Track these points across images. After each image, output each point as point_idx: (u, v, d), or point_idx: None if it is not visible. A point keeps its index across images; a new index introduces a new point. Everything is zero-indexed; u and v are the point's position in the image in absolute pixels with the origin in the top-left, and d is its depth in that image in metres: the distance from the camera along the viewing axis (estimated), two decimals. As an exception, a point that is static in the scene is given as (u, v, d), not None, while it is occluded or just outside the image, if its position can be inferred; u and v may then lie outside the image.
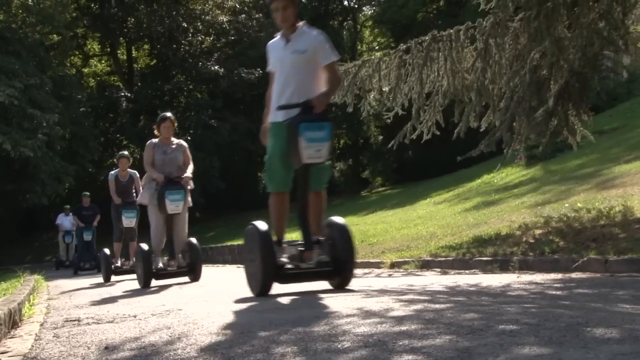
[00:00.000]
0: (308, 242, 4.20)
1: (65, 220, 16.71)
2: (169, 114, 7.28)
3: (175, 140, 7.18)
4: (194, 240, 7.43)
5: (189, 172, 7.02)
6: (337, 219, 4.34)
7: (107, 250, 9.56)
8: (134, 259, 8.61)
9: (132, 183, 9.97)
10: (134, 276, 8.01)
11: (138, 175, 9.72)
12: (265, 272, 4.09)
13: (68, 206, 17.54)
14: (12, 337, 3.11)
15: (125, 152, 10.55)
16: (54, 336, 3.06)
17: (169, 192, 6.62)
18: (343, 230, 4.26)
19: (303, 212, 4.22)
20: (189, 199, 7.10)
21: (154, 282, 7.01)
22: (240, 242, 13.86)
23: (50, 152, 21.85)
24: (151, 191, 6.94)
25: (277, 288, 4.27)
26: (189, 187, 7.00)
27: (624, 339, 1.95)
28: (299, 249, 4.24)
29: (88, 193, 14.92)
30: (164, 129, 7.05)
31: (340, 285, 4.32)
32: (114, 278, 9.42)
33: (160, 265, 6.98)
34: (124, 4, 28.57)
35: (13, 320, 3.46)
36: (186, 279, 7.28)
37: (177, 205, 6.68)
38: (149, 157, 6.96)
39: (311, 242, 4.20)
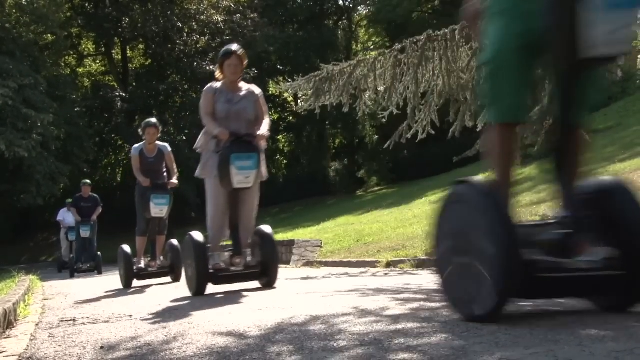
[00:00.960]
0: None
1: (68, 216, 14.84)
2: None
3: (245, 86, 5.19)
4: (267, 229, 5.26)
5: (265, 128, 5.05)
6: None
7: (126, 247, 7.48)
8: (162, 257, 7.53)
9: (161, 160, 7.50)
10: (164, 280, 7.56)
11: (170, 148, 7.57)
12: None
13: (70, 200, 15.96)
14: (7, 337, 3.10)
15: (153, 120, 7.87)
16: (49, 336, 3.05)
17: (236, 157, 4.71)
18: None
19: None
20: (264, 168, 5.07)
21: (212, 289, 5.05)
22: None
23: (45, 152, 21.80)
24: (209, 158, 5.05)
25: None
26: (262, 147, 5.06)
27: (618, 337, 1.96)
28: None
29: (88, 181, 13.41)
30: (228, 67, 5.05)
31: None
32: (136, 283, 7.37)
33: (221, 264, 4.99)
34: (118, 3, 28.51)
35: (8, 321, 3.45)
36: (256, 283, 5.26)
37: (247, 175, 4.75)
38: (208, 106, 5.02)
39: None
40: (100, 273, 12.23)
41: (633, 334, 1.99)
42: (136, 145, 7.52)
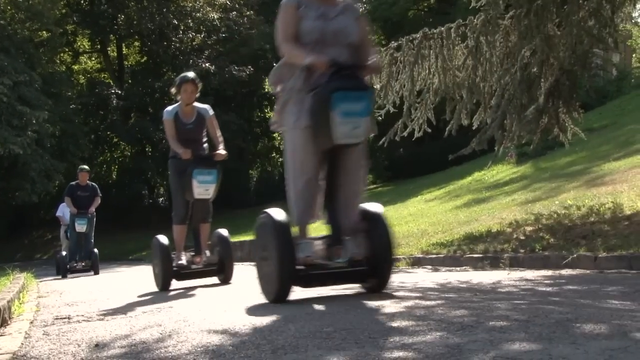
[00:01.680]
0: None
1: (68, 211, 12.18)
2: None
3: None
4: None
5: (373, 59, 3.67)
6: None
7: (163, 238, 5.81)
8: (208, 252, 5.94)
9: (202, 125, 5.85)
10: (210, 280, 5.99)
11: (212, 112, 5.94)
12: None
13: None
14: (1, 335, 3.09)
15: (191, 74, 6.07)
16: (43, 334, 3.04)
17: (343, 98, 3.23)
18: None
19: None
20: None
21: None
22: (231, 239, 13.80)
23: (40, 149, 21.73)
24: (288, 98, 3.54)
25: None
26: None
27: (612, 335, 1.97)
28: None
29: (86, 167, 11.52)
30: None
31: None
32: (176, 284, 5.79)
33: (319, 261, 3.58)
34: (113, 0, 28.42)
35: (2, 318, 3.44)
36: None
37: (357, 126, 3.28)
38: (290, 25, 3.52)
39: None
40: (96, 273, 10.69)
41: (627, 332, 1.99)
42: (169, 108, 5.78)
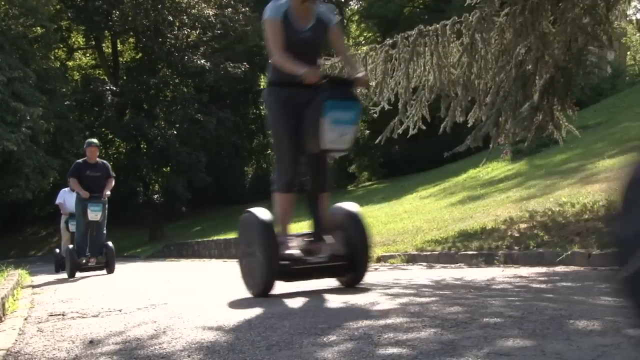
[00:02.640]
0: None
1: (70, 198, 10.18)
2: None
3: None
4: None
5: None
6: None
7: (264, 214, 3.73)
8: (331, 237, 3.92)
9: (322, 35, 3.87)
10: (328, 282, 4.03)
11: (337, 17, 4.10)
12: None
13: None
14: (-5, 332, 3.08)
15: None
16: (38, 330, 3.04)
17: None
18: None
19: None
20: None
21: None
22: (226, 236, 13.84)
23: (34, 146, 21.64)
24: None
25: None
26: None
27: (605, 331, 1.98)
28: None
29: (96, 141, 9.34)
30: None
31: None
32: (282, 287, 3.81)
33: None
34: (108, -4, 28.30)
35: (-4, 315, 3.43)
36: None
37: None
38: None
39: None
40: (111, 271, 8.97)
41: (620, 329, 2.00)
42: (274, 3, 3.79)
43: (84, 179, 8.78)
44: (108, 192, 8.89)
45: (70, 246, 9.13)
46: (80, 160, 9.10)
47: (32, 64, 24.02)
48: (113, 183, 9.05)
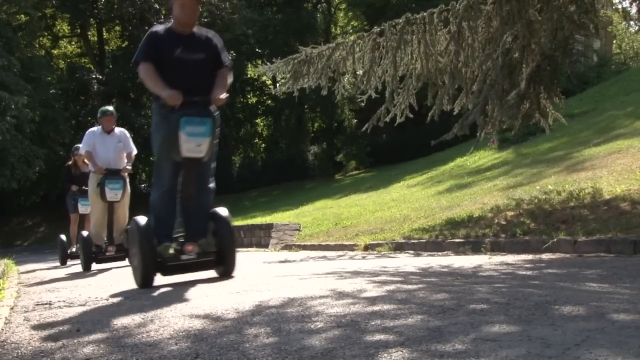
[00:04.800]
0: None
1: (103, 150, 7.66)
2: None
3: None
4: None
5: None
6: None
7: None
8: None
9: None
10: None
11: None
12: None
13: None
14: (-19, 322, 3.06)
15: None
16: (24, 319, 3.02)
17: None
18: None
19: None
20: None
21: None
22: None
23: (20, 135, 21.43)
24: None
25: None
26: None
27: (590, 316, 2.00)
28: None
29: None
30: None
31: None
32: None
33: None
34: (93, -17, 27.99)
35: (-18, 305, 3.41)
36: None
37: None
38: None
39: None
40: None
41: (604, 314, 2.03)
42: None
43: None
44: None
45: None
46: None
47: (17, 52, 23.74)
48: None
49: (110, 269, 6.95)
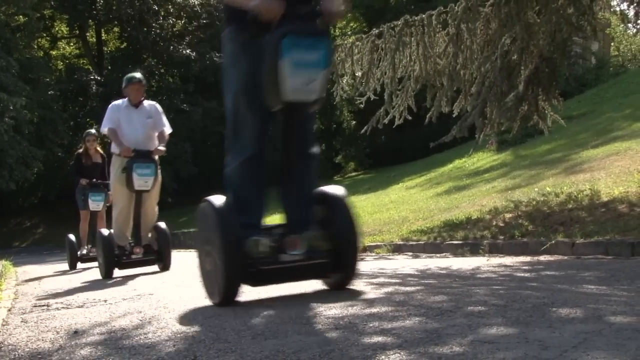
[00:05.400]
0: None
1: (128, 128, 6.34)
2: None
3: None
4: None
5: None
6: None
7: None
8: None
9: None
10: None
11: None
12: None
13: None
14: (-22, 323, 3.06)
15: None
16: (22, 321, 3.02)
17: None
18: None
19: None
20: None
21: None
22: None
23: (18, 136, 21.39)
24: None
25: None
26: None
27: (587, 318, 2.00)
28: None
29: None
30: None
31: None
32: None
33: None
34: (92, -15, 27.99)
35: (-20, 306, 3.41)
36: None
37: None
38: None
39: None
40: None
41: (601, 316, 2.03)
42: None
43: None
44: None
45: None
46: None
47: (15, 53, 23.71)
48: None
49: (137, 275, 5.94)
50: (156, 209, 6.27)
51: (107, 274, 5.85)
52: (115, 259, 5.94)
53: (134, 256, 6.05)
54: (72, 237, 8.36)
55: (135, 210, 6.00)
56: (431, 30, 7.35)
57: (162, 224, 6.34)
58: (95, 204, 8.14)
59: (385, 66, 7.61)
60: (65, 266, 8.48)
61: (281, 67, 2.67)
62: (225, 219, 2.83)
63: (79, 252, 8.27)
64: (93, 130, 8.86)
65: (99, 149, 8.76)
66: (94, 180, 8.29)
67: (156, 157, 6.02)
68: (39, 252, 17.62)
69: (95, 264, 6.98)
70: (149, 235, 6.20)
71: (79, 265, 8.21)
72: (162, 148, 6.07)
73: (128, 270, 6.27)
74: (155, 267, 6.30)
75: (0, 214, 30.68)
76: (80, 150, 8.82)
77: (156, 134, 6.15)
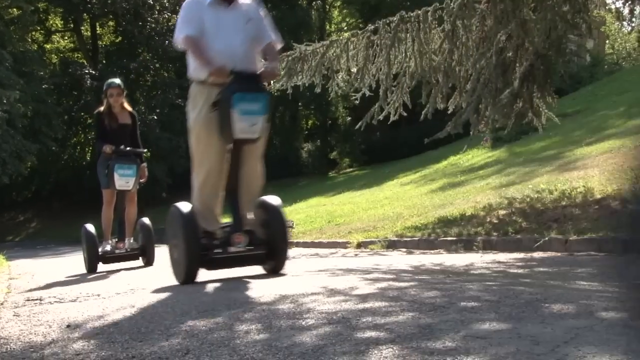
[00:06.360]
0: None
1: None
2: None
3: None
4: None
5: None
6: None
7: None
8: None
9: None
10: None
11: None
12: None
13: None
14: (-29, 317, 3.05)
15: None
16: (14, 315, 3.01)
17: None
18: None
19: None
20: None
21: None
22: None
23: (11, 130, 21.30)
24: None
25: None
26: None
27: (579, 314, 2.01)
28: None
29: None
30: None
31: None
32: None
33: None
34: (87, -22, 27.84)
35: (-28, 300, 3.40)
36: None
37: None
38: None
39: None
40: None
41: (593, 312, 2.04)
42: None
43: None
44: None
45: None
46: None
47: (9, 46, 23.59)
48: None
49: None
50: (260, 167, 4.14)
51: (188, 277, 3.88)
52: (203, 252, 3.87)
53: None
54: (90, 227, 6.28)
55: (231, 172, 3.95)
56: (427, 26, 7.35)
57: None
58: (124, 180, 6.06)
59: (381, 62, 7.61)
60: (76, 266, 6.95)
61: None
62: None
63: (100, 249, 6.18)
64: (117, 80, 6.60)
65: (127, 105, 6.53)
66: (123, 147, 6.15)
67: (268, 84, 4.28)
68: (32, 247, 17.57)
69: (125, 264, 6.39)
70: (245, 213, 4.04)
71: (101, 266, 6.23)
72: (276, 71, 4.14)
73: (224, 271, 4.61)
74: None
75: (-8, 208, 30.59)
76: (102, 109, 6.39)
77: (260, 47, 4.13)
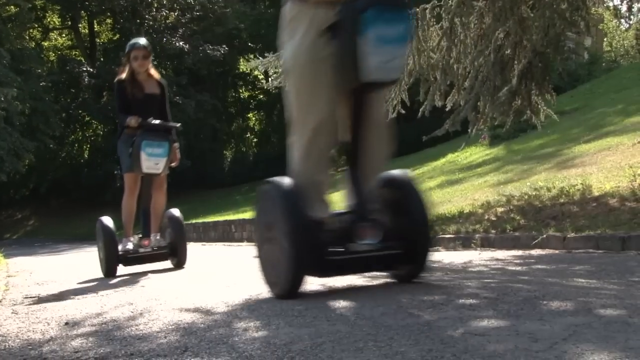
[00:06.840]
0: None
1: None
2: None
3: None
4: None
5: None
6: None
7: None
8: None
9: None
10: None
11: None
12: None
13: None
14: (-31, 315, 3.04)
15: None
16: (12, 312, 3.01)
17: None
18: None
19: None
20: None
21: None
22: (204, 219, 13.84)
23: (9, 127, 21.28)
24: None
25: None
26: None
27: (577, 311, 2.01)
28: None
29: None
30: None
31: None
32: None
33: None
34: (84, -25, 27.78)
35: (-30, 298, 3.39)
36: None
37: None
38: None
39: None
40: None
41: (591, 309, 2.04)
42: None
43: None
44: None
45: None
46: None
47: (6, 43, 23.55)
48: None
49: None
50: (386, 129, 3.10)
51: (293, 287, 2.78)
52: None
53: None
54: (107, 221, 5.27)
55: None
56: (425, 24, 7.33)
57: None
58: (153, 160, 4.98)
59: (379, 59, 7.59)
60: (75, 265, 6.68)
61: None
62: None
63: (120, 247, 5.14)
64: (143, 40, 5.44)
65: (154, 72, 5.47)
66: (150, 119, 5.03)
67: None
68: (30, 244, 17.56)
69: (150, 266, 5.45)
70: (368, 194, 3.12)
71: (121, 269, 5.22)
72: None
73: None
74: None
75: (-10, 205, 30.56)
76: (123, 76, 5.28)
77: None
